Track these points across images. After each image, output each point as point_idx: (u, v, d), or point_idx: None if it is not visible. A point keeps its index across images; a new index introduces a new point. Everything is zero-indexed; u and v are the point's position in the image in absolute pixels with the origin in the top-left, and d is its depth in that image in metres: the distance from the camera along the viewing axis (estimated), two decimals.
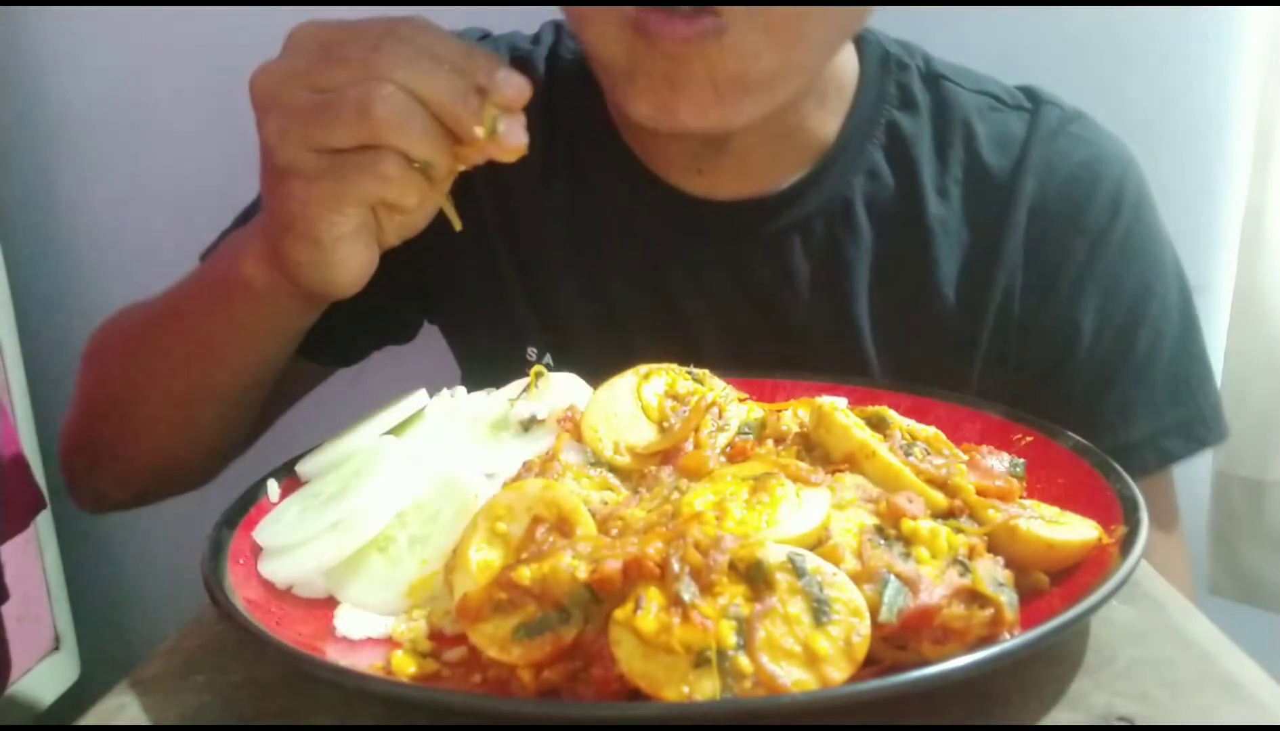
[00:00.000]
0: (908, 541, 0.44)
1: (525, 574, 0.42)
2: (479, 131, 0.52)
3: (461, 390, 0.66)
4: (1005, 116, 0.76)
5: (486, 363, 0.83)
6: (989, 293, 0.75)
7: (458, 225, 0.60)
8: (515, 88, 0.53)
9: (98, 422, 0.76)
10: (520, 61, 0.82)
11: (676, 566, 0.41)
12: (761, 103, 0.64)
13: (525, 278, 0.80)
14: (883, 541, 0.44)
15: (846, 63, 0.76)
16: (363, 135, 0.51)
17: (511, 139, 0.53)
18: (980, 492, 0.49)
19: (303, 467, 0.60)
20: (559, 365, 0.78)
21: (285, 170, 0.53)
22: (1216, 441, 0.78)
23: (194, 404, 0.70)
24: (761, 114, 0.65)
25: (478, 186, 0.76)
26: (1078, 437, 0.58)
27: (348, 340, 0.83)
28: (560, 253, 0.79)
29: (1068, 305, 0.75)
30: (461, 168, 0.55)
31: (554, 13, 0.85)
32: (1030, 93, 0.78)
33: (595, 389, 0.60)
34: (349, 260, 0.57)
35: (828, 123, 0.75)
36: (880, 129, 0.76)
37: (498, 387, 0.65)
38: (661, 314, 0.78)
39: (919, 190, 0.75)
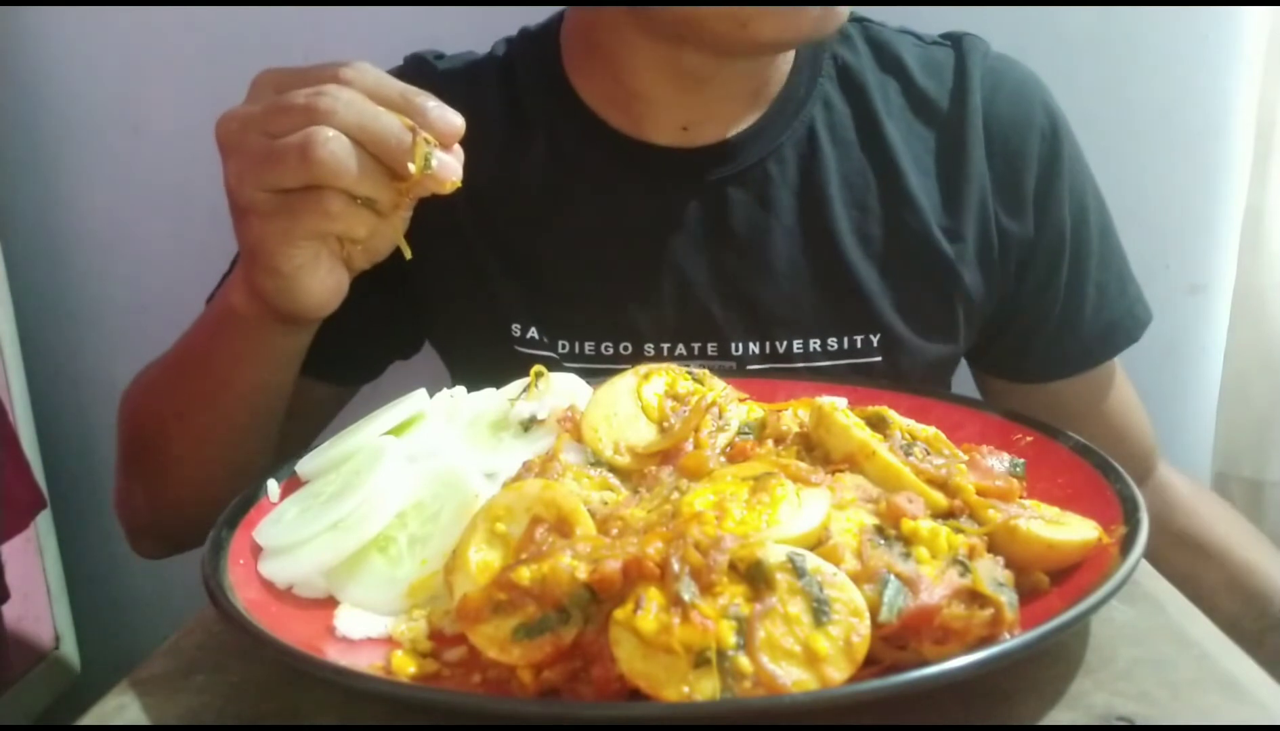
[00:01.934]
0: (908, 541, 0.44)
1: (525, 574, 0.42)
2: (411, 168, 0.56)
3: (461, 390, 0.66)
4: (929, 50, 0.84)
5: (474, 351, 0.84)
6: (963, 203, 0.80)
7: (408, 254, 0.63)
8: (447, 124, 0.57)
9: (138, 470, 0.80)
10: (474, 67, 0.86)
11: (676, 566, 0.41)
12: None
13: (503, 254, 0.81)
14: (883, 541, 0.44)
15: None
16: (306, 177, 0.55)
17: (444, 172, 0.57)
18: (980, 492, 0.49)
19: (303, 467, 0.60)
20: (547, 337, 0.79)
21: (244, 209, 0.58)
22: (1150, 317, 0.88)
23: (216, 436, 0.73)
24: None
25: None
26: (1078, 437, 0.58)
27: (358, 360, 0.86)
28: (536, 225, 0.81)
29: (1045, 207, 0.82)
30: (409, 200, 0.59)
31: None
32: (944, 34, 0.86)
33: (595, 389, 0.60)
34: (312, 286, 0.61)
35: (784, 64, 0.81)
36: (828, 63, 0.82)
37: (498, 387, 0.65)
38: (649, 267, 0.80)
39: (872, 113, 0.81)
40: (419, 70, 0.85)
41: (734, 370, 0.78)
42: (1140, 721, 0.41)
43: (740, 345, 0.79)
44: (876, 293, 0.79)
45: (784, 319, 0.79)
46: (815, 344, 0.79)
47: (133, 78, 1.14)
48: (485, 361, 0.80)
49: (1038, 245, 0.82)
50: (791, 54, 0.81)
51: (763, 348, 0.79)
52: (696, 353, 0.79)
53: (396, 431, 0.60)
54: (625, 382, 0.59)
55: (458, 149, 0.58)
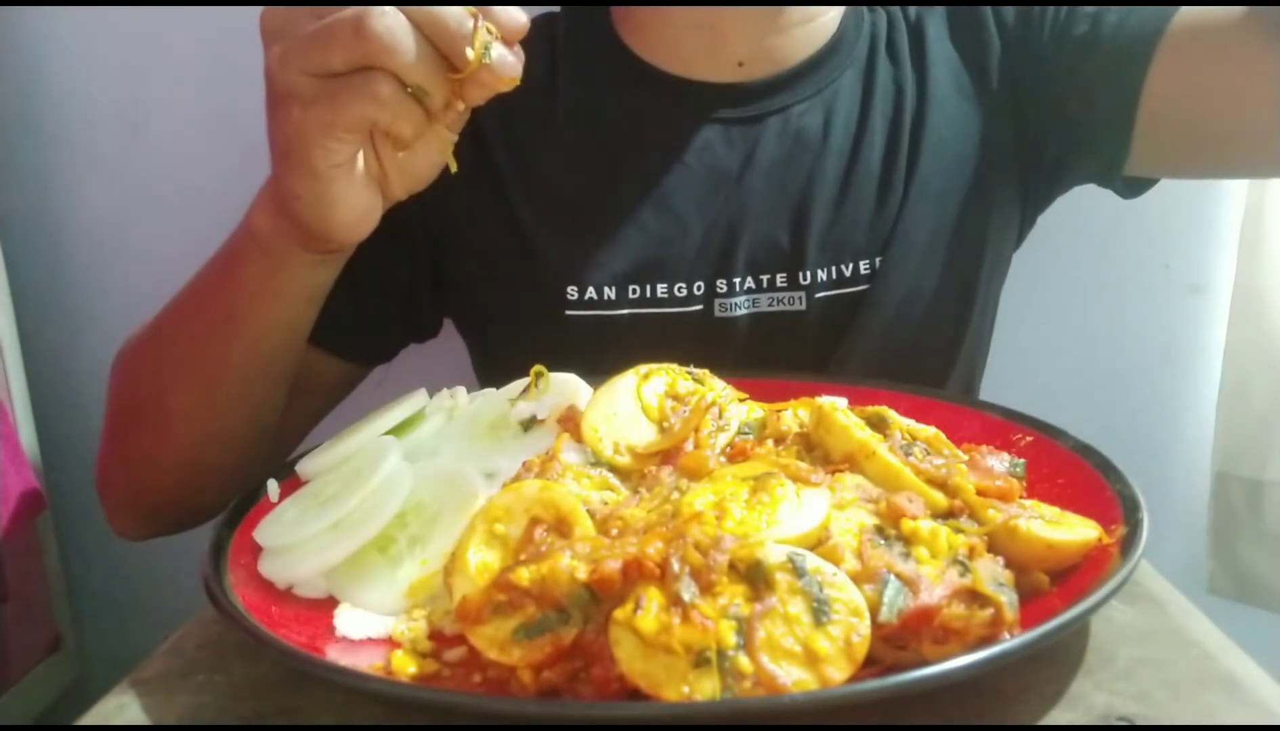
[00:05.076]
0: (908, 541, 0.44)
1: (524, 575, 0.42)
2: (470, 55, 0.52)
3: (461, 390, 0.66)
4: None
5: (518, 322, 0.83)
6: (996, 101, 0.83)
7: (453, 167, 0.60)
8: (511, 19, 0.54)
9: (129, 432, 0.76)
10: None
11: (676, 566, 0.41)
12: None
13: (554, 214, 0.81)
14: (883, 541, 0.44)
15: None
16: (357, 55, 0.52)
17: (503, 67, 0.53)
18: (980, 492, 0.49)
19: (303, 467, 0.60)
20: (613, 290, 0.79)
21: (284, 96, 0.54)
22: None
23: (217, 387, 0.69)
24: None
25: (488, 135, 0.80)
26: (1077, 437, 0.58)
27: (373, 335, 0.84)
28: (590, 178, 0.81)
29: (1034, 26, 0.82)
30: (461, 106, 0.55)
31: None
32: None
33: (595, 389, 0.60)
34: (346, 196, 0.57)
35: (836, 10, 0.84)
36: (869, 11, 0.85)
37: (498, 387, 0.65)
38: (715, 204, 0.80)
39: (918, 37, 0.84)
40: None
41: (803, 304, 0.80)
42: (1140, 721, 0.41)
43: (809, 274, 0.80)
44: (936, 209, 0.80)
45: (851, 244, 0.80)
46: (880, 261, 0.80)
47: (133, 78, 1.14)
48: (529, 333, 0.80)
49: (1051, 59, 0.81)
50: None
51: (830, 273, 0.80)
52: (766, 285, 0.80)
53: (396, 431, 0.60)
54: (625, 383, 0.59)
55: (518, 49, 0.55)
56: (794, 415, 0.57)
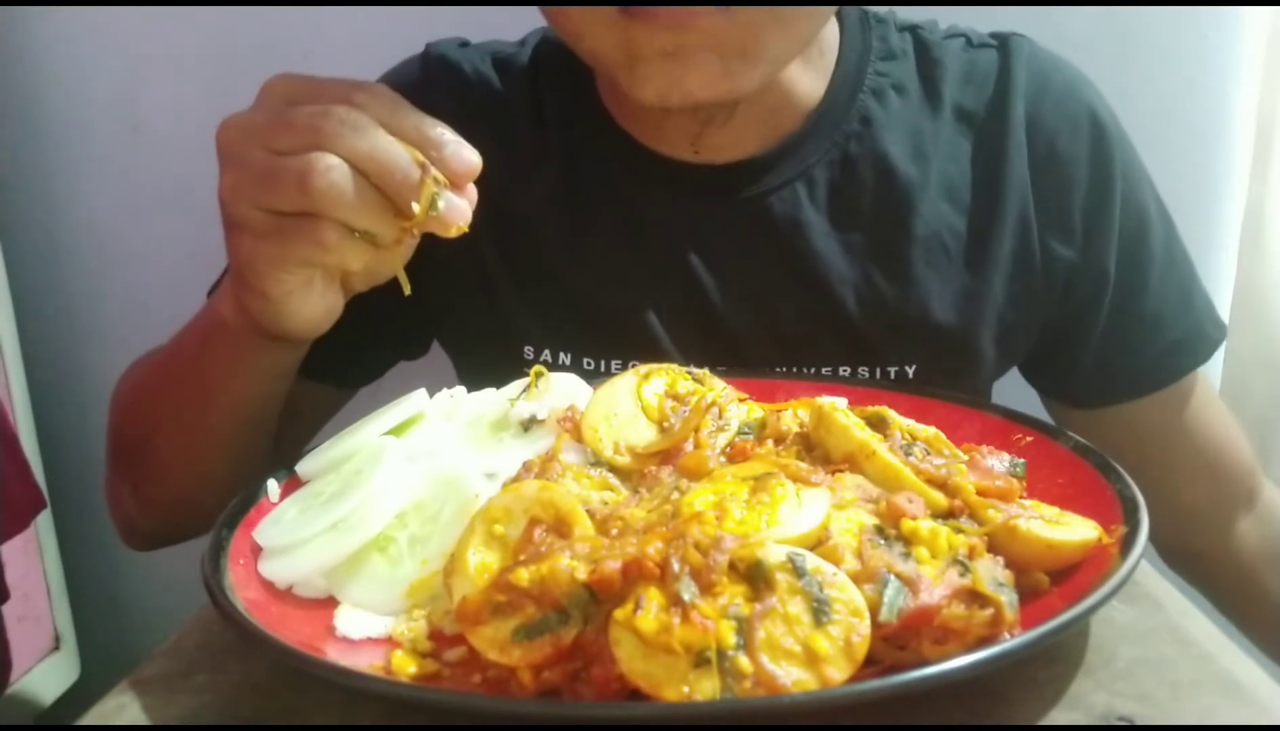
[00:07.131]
0: (908, 541, 0.44)
1: (523, 575, 0.42)
2: (415, 207, 0.52)
3: (461, 390, 0.66)
4: (974, 55, 0.80)
5: (484, 367, 0.81)
6: (1000, 221, 0.76)
7: (406, 290, 0.60)
8: (461, 162, 0.53)
9: (125, 466, 0.78)
10: (502, 63, 0.83)
11: (676, 566, 0.41)
12: (765, 70, 0.66)
13: (517, 275, 0.79)
14: (883, 541, 0.44)
15: (829, 23, 0.78)
16: (302, 204, 0.52)
17: (451, 216, 0.53)
18: (980, 492, 0.49)
19: (303, 467, 0.60)
20: (567, 355, 0.77)
21: (237, 224, 0.55)
22: (1223, 336, 0.84)
23: (197, 446, 0.71)
24: (765, 80, 0.67)
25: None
26: (1078, 437, 0.58)
27: (362, 364, 0.85)
28: (554, 239, 0.78)
29: (1096, 227, 0.77)
30: (415, 235, 0.55)
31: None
32: (993, 33, 0.81)
33: (595, 389, 0.60)
34: (302, 310, 0.59)
35: (816, 82, 0.77)
36: (871, 77, 0.78)
37: (498, 388, 0.65)
38: (672, 287, 0.77)
39: (913, 129, 0.77)
40: (443, 69, 0.82)
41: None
42: (1140, 721, 0.41)
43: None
44: (911, 322, 0.75)
45: (813, 347, 0.76)
46: (845, 373, 0.75)
47: (133, 78, 1.14)
48: (495, 375, 0.80)
49: (1087, 265, 0.77)
50: (827, 68, 0.77)
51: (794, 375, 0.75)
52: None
53: (396, 431, 0.60)
54: (625, 382, 0.59)
55: (471, 189, 0.54)
56: (794, 415, 0.57)
